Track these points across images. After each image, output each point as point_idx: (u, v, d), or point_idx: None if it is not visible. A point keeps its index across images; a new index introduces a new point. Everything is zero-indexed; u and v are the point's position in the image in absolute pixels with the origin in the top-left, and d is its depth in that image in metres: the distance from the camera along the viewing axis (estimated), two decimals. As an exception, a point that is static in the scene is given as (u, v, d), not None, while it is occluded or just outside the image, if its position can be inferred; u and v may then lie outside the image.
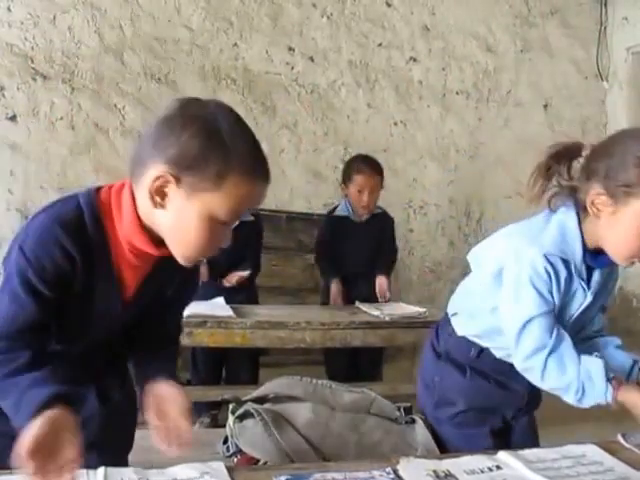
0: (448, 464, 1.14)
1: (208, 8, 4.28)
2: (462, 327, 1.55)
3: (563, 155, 1.36)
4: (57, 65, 3.96)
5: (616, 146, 1.30)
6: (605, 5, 5.27)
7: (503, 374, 1.51)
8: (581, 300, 1.38)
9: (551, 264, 1.31)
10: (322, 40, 4.59)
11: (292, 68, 4.50)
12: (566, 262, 1.33)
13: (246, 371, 2.91)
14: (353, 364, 3.11)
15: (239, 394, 1.80)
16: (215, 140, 0.99)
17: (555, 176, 1.37)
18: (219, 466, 1.08)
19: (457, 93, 4.96)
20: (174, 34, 4.21)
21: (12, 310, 1.04)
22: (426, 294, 4.76)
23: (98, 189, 1.10)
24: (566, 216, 1.35)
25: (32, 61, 3.91)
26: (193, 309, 2.47)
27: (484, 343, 1.51)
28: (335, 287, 3.11)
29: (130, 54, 4.11)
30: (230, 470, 1.08)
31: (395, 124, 4.81)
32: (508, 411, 1.55)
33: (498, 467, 1.13)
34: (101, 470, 1.02)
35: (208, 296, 2.76)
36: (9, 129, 3.88)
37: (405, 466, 1.11)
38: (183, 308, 1.34)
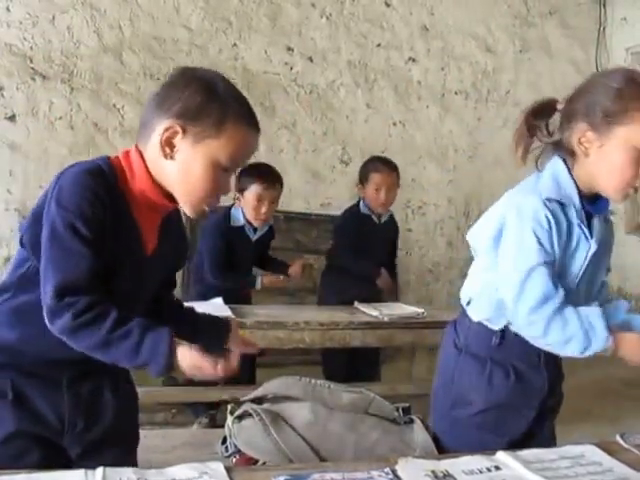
0: (446, 464, 1.13)
1: (207, 8, 4.28)
2: (476, 312, 1.51)
3: (539, 111, 1.41)
4: (56, 65, 3.96)
5: (591, 85, 1.36)
6: (604, 5, 5.27)
7: (525, 361, 1.46)
8: (586, 249, 1.37)
9: (551, 211, 1.33)
10: (321, 40, 4.59)
11: (291, 68, 4.50)
12: (564, 207, 1.35)
13: (244, 371, 2.90)
14: (351, 364, 3.11)
15: (237, 394, 1.80)
16: (214, 95, 1.15)
17: (537, 135, 1.41)
18: (218, 466, 1.08)
19: (456, 93, 4.96)
20: (173, 34, 4.21)
21: (68, 261, 1.08)
22: (424, 294, 4.76)
23: (108, 157, 1.20)
24: (554, 165, 1.39)
25: (31, 61, 3.91)
26: (192, 309, 2.47)
27: (497, 324, 1.47)
28: (385, 277, 3.17)
29: (129, 54, 4.11)
30: (229, 470, 1.07)
31: (394, 124, 4.81)
32: (528, 411, 1.48)
33: (497, 467, 1.13)
34: (100, 470, 1.02)
35: (208, 296, 2.76)
36: (8, 129, 3.88)
37: (404, 466, 1.11)
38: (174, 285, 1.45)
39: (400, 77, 4.82)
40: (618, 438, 1.29)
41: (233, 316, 2.50)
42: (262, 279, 2.89)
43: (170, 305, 1.43)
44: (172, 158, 1.15)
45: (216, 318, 1.43)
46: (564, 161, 1.39)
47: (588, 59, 5.24)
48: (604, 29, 5.29)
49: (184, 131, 1.13)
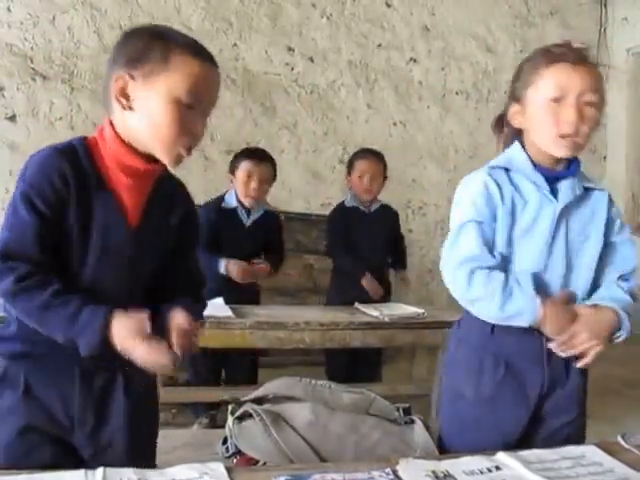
0: (447, 465, 1.13)
1: (208, 8, 4.28)
2: None
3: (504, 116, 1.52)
4: (56, 65, 3.96)
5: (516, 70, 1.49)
6: (605, 6, 5.28)
7: (525, 356, 1.40)
8: (552, 210, 1.38)
9: (493, 178, 1.39)
10: (322, 40, 4.59)
11: (292, 68, 4.50)
12: (509, 172, 1.41)
13: (245, 372, 2.90)
14: (353, 365, 3.10)
15: (238, 395, 1.80)
16: (155, 35, 1.14)
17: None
18: (218, 467, 1.08)
19: (457, 93, 4.96)
20: (174, 34, 4.21)
21: (19, 228, 1.10)
22: (425, 295, 4.76)
23: (85, 136, 1.22)
24: (511, 146, 1.46)
25: (31, 61, 3.91)
26: (192, 309, 2.47)
27: None
28: (370, 281, 3.11)
29: (129, 54, 4.11)
30: (229, 471, 1.07)
31: (394, 124, 4.81)
32: (521, 409, 1.41)
33: (497, 468, 1.13)
34: (100, 470, 1.02)
35: (210, 295, 2.75)
36: (8, 129, 3.88)
37: (404, 467, 1.11)
38: (194, 252, 1.35)
39: (401, 77, 4.82)
40: (619, 438, 1.29)
41: (233, 316, 2.50)
42: (226, 264, 2.80)
43: (180, 293, 1.28)
44: (131, 109, 1.13)
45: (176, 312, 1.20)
46: (520, 142, 1.45)
47: (589, 59, 5.23)
48: (605, 29, 5.29)
49: (133, 77, 1.12)
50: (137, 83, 1.12)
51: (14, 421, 1.16)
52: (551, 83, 1.35)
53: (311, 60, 4.55)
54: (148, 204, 1.20)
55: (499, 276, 1.33)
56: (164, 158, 1.16)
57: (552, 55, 1.37)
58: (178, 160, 1.17)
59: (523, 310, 1.31)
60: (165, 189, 1.23)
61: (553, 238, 1.38)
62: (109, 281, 1.18)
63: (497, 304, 1.32)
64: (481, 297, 1.34)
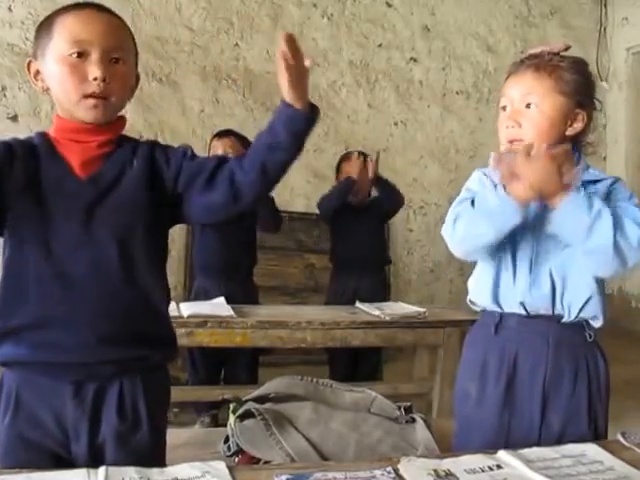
0: (448, 463, 1.13)
1: (209, 8, 4.28)
2: (473, 297, 1.50)
3: None
4: (58, 65, 3.96)
5: None
6: (605, 5, 5.28)
7: (530, 354, 1.39)
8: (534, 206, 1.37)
9: (485, 175, 1.43)
10: (322, 40, 4.59)
11: (292, 68, 4.50)
12: None
13: (245, 372, 2.91)
14: (354, 364, 3.11)
15: (239, 394, 1.81)
16: (48, 16, 1.22)
17: None
18: (220, 465, 1.08)
19: (457, 93, 4.97)
20: (175, 34, 4.21)
21: None
22: (426, 294, 4.77)
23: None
24: None
25: (33, 61, 3.92)
26: (193, 309, 2.47)
27: (485, 306, 1.47)
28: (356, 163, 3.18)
29: (131, 54, 4.11)
30: (231, 469, 1.07)
31: (395, 124, 4.81)
32: (529, 406, 1.40)
33: (498, 466, 1.13)
34: (102, 469, 1.02)
35: (210, 295, 2.77)
36: (10, 129, 3.88)
37: (406, 465, 1.11)
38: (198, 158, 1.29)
39: (401, 77, 4.82)
40: (619, 437, 1.29)
41: (235, 315, 2.51)
42: None
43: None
44: (44, 86, 1.21)
45: None
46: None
47: (589, 59, 5.19)
48: (605, 29, 5.29)
49: (35, 57, 1.21)
50: (38, 61, 1.20)
51: (8, 435, 1.15)
52: None
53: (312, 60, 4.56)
54: (101, 160, 1.21)
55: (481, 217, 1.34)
56: (80, 113, 1.19)
57: None
58: (95, 111, 1.18)
59: (504, 209, 1.30)
60: (125, 148, 1.25)
61: (537, 227, 1.37)
62: (72, 234, 1.16)
63: (491, 228, 1.33)
64: (475, 235, 1.36)
